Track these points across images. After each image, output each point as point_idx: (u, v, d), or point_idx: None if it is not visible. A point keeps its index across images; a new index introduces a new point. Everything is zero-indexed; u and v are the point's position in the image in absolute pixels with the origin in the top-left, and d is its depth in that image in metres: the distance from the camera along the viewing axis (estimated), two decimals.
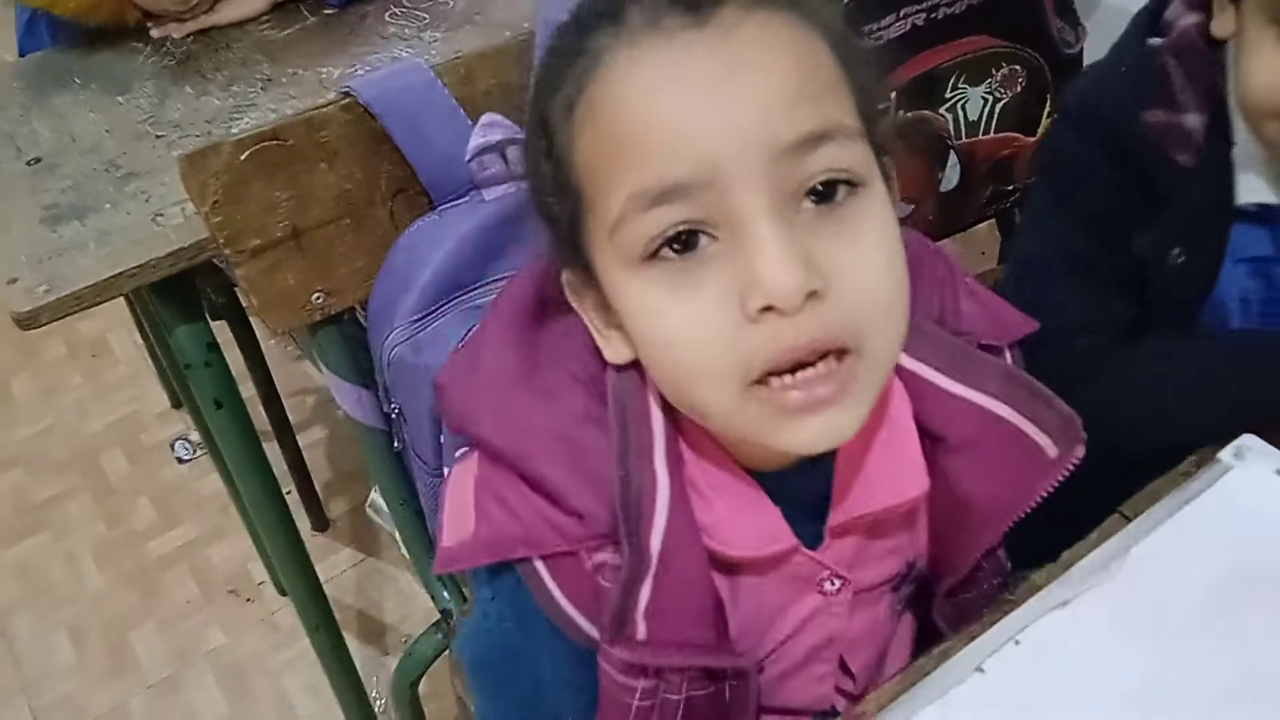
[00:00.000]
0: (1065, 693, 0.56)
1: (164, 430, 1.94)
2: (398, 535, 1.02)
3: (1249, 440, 0.68)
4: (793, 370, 0.49)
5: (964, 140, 1.15)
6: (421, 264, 0.77)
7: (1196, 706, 0.55)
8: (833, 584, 0.62)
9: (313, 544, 1.63)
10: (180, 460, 1.88)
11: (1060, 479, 0.59)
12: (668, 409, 0.57)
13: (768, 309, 0.47)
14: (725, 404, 0.51)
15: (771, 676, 0.65)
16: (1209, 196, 0.75)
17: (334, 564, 1.66)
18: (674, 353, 0.51)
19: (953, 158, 1.16)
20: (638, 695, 0.58)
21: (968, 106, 1.13)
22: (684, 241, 0.49)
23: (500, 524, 0.57)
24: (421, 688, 1.04)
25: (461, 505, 0.59)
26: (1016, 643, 0.59)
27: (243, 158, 0.72)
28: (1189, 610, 0.59)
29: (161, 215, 0.97)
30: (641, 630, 0.56)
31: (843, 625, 0.64)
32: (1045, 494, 0.59)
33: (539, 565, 0.57)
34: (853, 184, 0.49)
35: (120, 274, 0.91)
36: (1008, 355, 0.65)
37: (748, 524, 0.58)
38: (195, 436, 1.88)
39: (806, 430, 0.50)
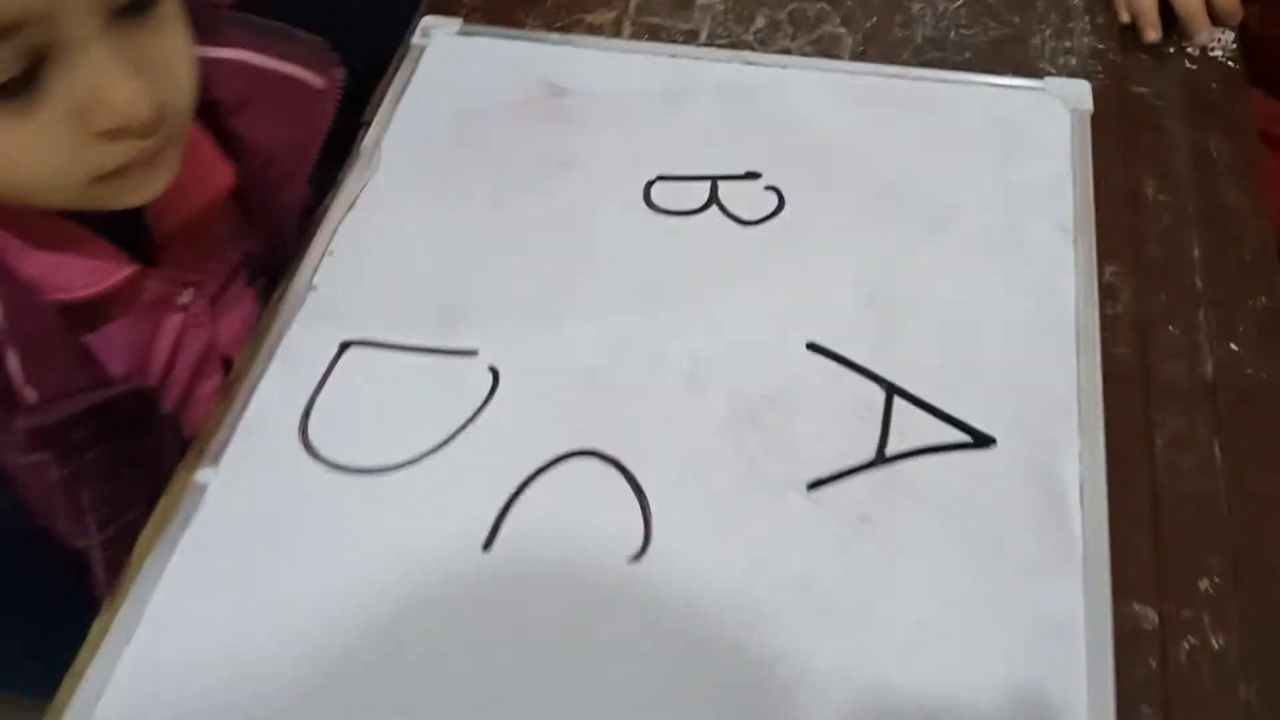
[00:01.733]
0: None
1: None
2: None
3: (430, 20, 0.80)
4: None
5: None
6: None
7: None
8: (186, 295, 0.64)
9: None
10: None
11: (334, 107, 0.66)
12: None
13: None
14: (65, 199, 0.53)
15: (174, 409, 0.66)
16: None
17: None
18: (7, 171, 0.50)
19: None
20: (53, 469, 0.56)
21: None
22: (24, 76, 0.47)
23: None
24: None
25: None
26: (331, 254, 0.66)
27: None
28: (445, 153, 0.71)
29: None
30: (31, 395, 0.54)
31: (213, 331, 0.66)
32: (328, 127, 0.66)
33: None
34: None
35: None
36: None
37: (82, 264, 0.57)
38: None
39: (137, 194, 0.54)
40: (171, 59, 0.53)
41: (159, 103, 0.51)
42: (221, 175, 0.64)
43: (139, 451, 0.60)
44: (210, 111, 0.64)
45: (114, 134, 0.51)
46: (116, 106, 0.50)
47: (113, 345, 0.61)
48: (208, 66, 0.63)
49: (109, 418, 0.58)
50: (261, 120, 0.65)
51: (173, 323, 0.64)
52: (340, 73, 0.67)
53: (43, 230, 0.56)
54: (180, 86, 0.54)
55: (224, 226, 0.67)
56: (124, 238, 0.60)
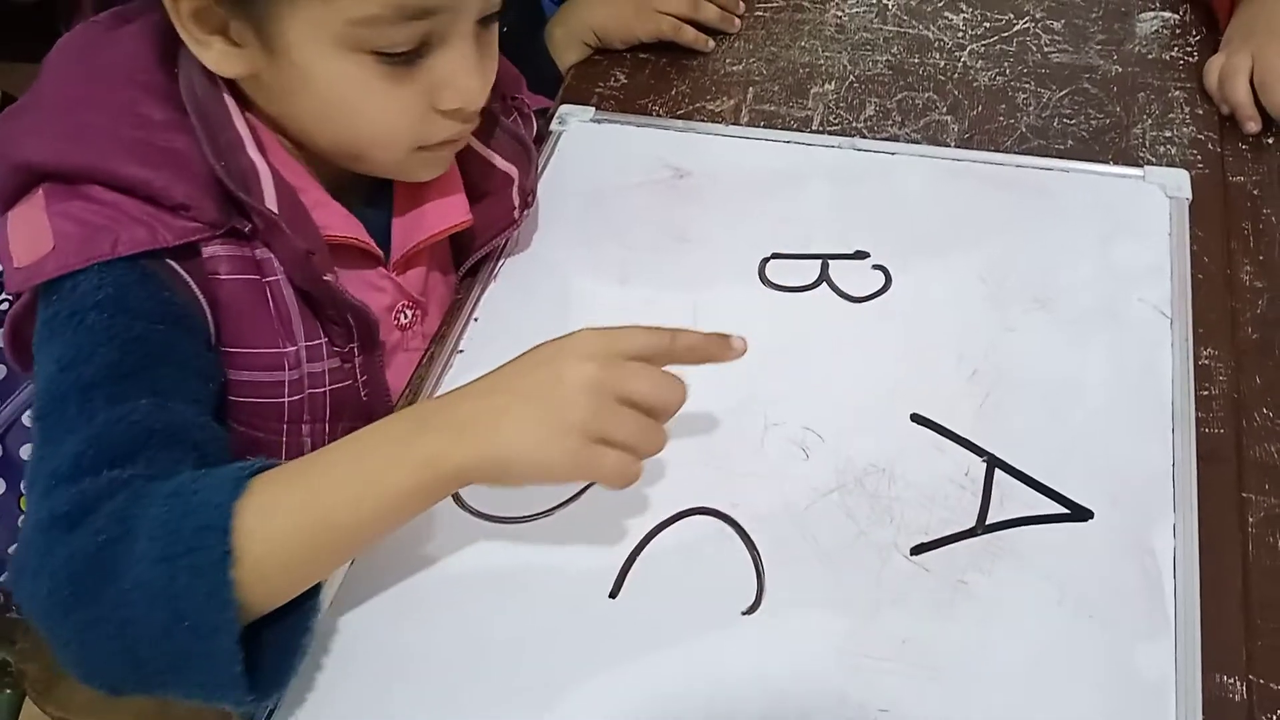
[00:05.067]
0: None
1: None
2: None
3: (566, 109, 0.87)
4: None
5: None
6: None
7: None
8: (406, 315, 0.72)
9: None
10: None
11: (526, 202, 0.75)
12: (253, 130, 0.63)
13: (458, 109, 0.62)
14: (393, 161, 0.65)
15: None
16: None
17: None
18: (363, 123, 0.62)
19: None
20: (286, 369, 0.66)
21: None
22: (414, 52, 0.59)
23: (97, 225, 0.57)
24: None
25: (30, 231, 0.58)
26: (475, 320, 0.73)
27: None
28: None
29: None
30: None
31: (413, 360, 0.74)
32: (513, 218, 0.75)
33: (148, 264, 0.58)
34: (498, 13, 0.63)
35: None
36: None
37: (338, 213, 0.66)
38: None
39: (434, 169, 0.68)
40: (490, 68, 0.65)
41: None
42: (459, 212, 0.72)
43: (351, 396, 0.71)
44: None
45: (451, 114, 0.62)
46: (462, 91, 0.62)
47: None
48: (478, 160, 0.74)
49: (341, 349, 0.68)
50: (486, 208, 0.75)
51: (393, 338, 0.72)
52: (535, 167, 0.77)
53: (312, 193, 0.65)
54: (487, 93, 0.65)
55: (443, 269, 0.76)
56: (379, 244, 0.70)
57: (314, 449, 0.55)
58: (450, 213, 0.72)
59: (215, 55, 0.60)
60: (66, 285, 0.57)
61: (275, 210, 0.61)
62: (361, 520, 0.52)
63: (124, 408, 0.53)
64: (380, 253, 0.69)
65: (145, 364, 0.56)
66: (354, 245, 0.67)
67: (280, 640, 0.52)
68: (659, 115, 0.89)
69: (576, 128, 0.87)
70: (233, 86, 0.62)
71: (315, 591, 0.53)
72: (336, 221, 0.66)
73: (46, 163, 0.58)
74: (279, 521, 0.50)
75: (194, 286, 0.61)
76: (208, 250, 0.61)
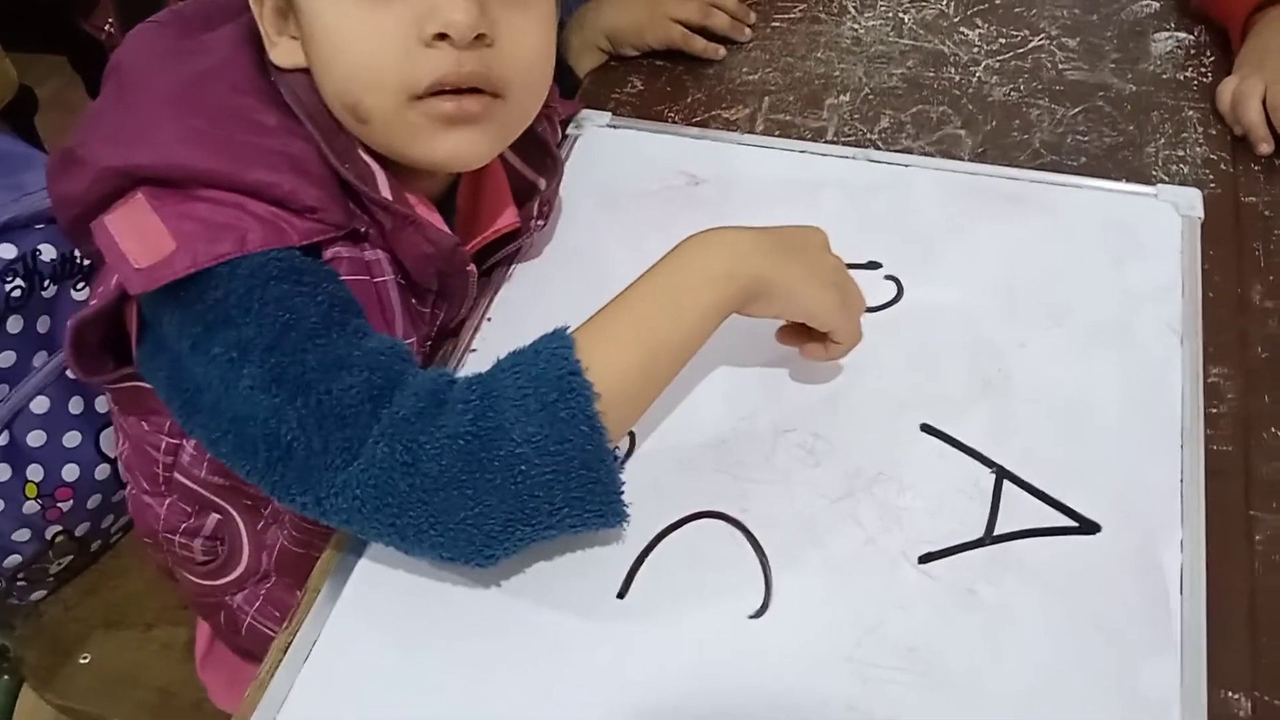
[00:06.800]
0: None
1: None
2: None
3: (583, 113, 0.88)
4: (453, 94, 0.60)
5: None
6: None
7: None
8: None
9: None
10: None
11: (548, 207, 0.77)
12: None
13: (441, 36, 0.58)
14: (387, 111, 0.60)
15: None
16: None
17: None
18: (349, 58, 0.60)
19: None
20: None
21: None
22: None
23: (221, 224, 0.57)
24: None
25: (146, 233, 0.57)
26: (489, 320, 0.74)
27: None
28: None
29: None
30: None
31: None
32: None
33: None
34: None
35: None
36: None
37: (430, 215, 0.66)
38: None
39: (449, 142, 0.62)
40: (523, 35, 0.62)
41: (481, 31, 0.58)
42: (510, 215, 0.73)
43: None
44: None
45: (435, 44, 0.58)
46: (443, 12, 0.57)
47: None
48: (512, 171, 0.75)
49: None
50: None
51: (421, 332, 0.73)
52: (559, 179, 0.77)
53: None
54: (522, 65, 0.62)
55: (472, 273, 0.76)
56: None
57: None
58: (501, 215, 0.73)
59: (280, 51, 0.62)
60: (216, 275, 0.57)
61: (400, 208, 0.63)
62: (686, 334, 0.60)
63: (367, 339, 0.58)
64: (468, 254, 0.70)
65: (351, 311, 0.59)
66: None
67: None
68: (674, 122, 0.89)
69: (592, 133, 0.87)
70: None
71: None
72: (435, 219, 0.66)
73: (152, 166, 0.58)
74: (619, 353, 0.57)
75: None
76: (329, 252, 0.62)
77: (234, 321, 0.56)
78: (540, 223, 0.76)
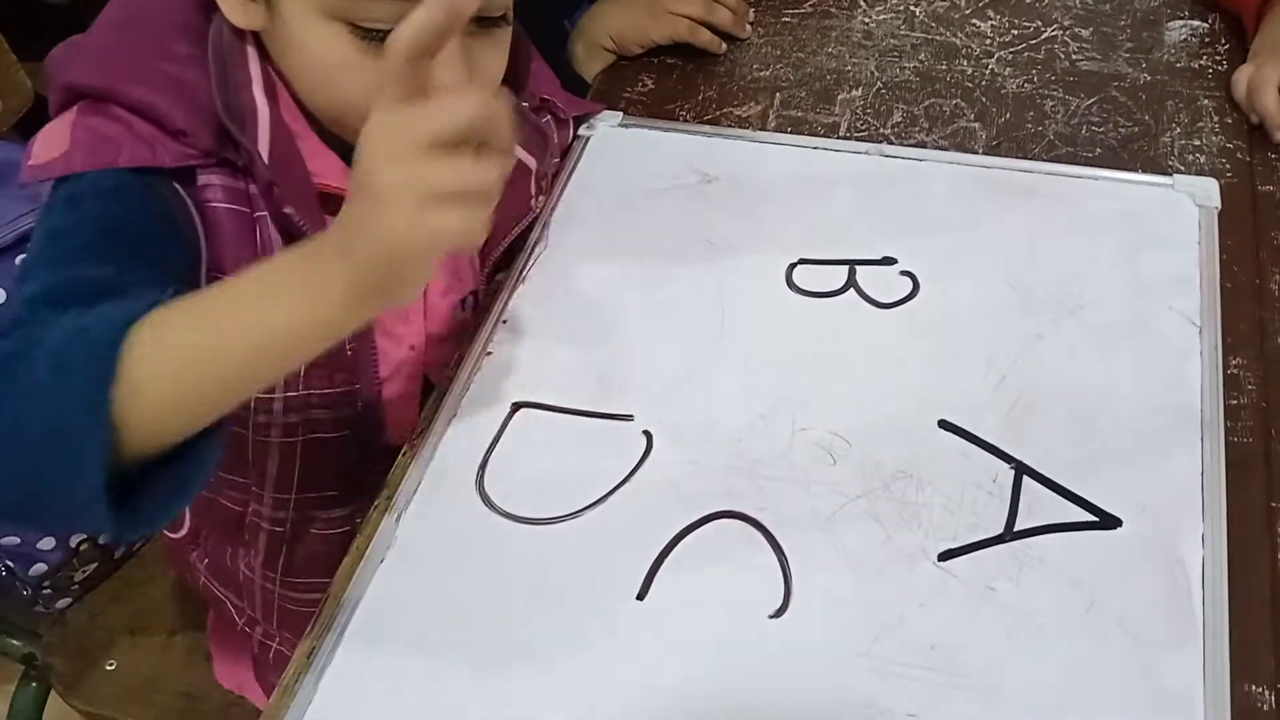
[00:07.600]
0: None
1: None
2: None
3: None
4: None
5: None
6: None
7: None
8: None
9: None
10: None
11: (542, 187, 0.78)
12: (266, 76, 0.65)
13: None
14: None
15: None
16: None
17: None
18: (339, 94, 0.63)
19: None
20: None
21: None
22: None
23: (107, 137, 0.62)
24: None
25: (55, 137, 0.63)
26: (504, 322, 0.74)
27: None
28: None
29: None
30: None
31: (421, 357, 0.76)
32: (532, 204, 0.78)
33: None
34: (507, 18, 0.65)
35: None
36: None
37: (335, 165, 0.67)
38: None
39: None
40: (494, 67, 0.65)
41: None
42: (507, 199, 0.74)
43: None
44: None
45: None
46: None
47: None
48: None
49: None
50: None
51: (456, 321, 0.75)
52: (552, 156, 0.78)
53: (315, 147, 0.67)
54: (490, 90, 0.63)
55: (458, 266, 0.77)
56: None
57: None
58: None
59: (231, 4, 0.64)
60: (75, 179, 0.61)
61: (263, 149, 0.64)
62: (250, 345, 0.50)
63: (87, 268, 0.56)
64: None
65: (123, 249, 0.59)
66: None
67: (163, 481, 0.51)
68: (686, 120, 0.89)
69: (604, 132, 0.87)
70: (258, 39, 0.66)
71: (209, 439, 0.53)
72: (332, 172, 0.67)
73: (79, 82, 0.64)
74: (169, 342, 0.50)
75: (191, 209, 0.64)
76: (203, 178, 0.65)
77: (49, 216, 0.60)
78: (542, 198, 0.77)
